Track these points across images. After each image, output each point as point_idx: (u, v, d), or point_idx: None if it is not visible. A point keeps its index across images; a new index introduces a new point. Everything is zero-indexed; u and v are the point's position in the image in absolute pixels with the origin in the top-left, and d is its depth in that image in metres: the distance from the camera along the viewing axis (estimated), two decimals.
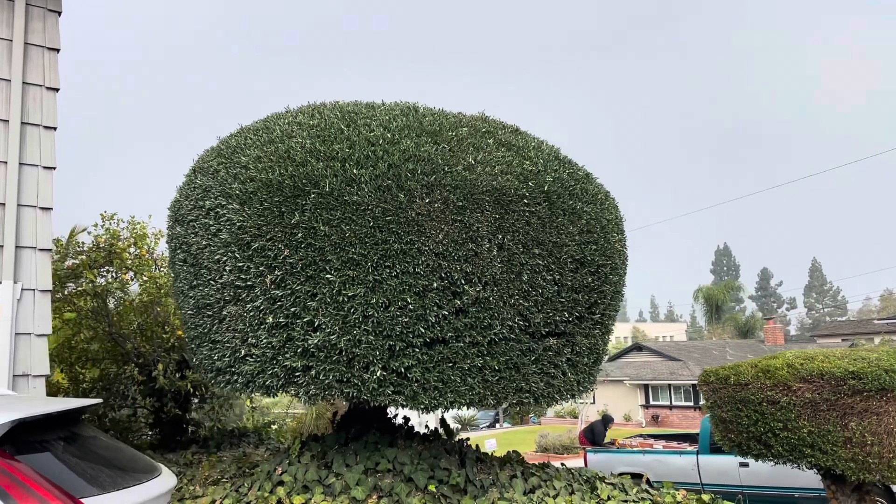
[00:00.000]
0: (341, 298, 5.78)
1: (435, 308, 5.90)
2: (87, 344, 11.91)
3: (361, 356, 5.87)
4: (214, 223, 6.20)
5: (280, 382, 6.09)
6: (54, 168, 6.58)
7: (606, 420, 17.72)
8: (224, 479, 7.69)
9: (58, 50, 6.83)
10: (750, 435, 8.26)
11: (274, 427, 17.61)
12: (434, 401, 6.06)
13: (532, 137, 7.22)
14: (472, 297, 5.99)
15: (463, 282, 5.97)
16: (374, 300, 5.77)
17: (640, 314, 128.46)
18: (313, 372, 5.94)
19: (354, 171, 5.82)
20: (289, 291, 5.87)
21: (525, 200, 6.21)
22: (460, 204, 5.93)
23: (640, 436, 15.93)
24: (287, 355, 5.97)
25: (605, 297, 6.88)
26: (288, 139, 6.19)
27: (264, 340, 6.02)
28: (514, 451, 9.06)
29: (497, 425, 48.24)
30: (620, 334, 71.10)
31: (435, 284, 5.87)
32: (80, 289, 11.58)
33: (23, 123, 6.44)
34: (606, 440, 16.11)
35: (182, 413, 12.40)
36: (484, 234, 6.03)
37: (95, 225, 12.46)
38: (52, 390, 12.64)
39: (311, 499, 6.56)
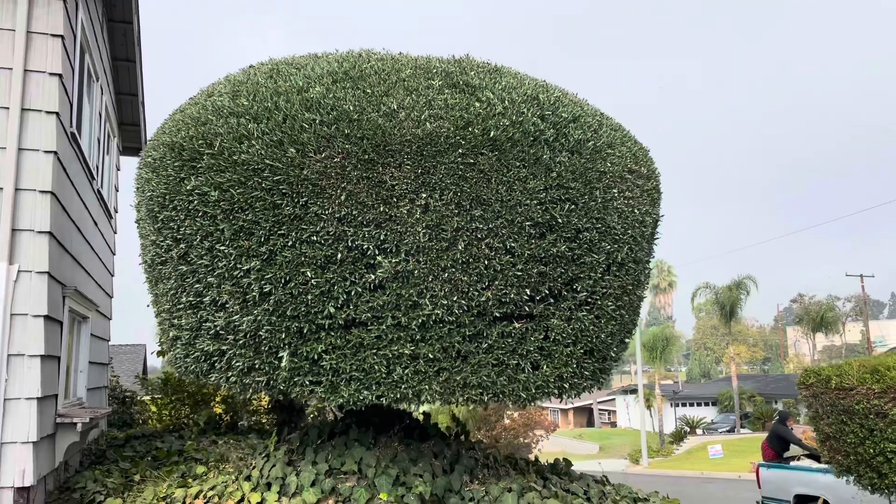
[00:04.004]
0: (237, 273, 5.05)
1: (344, 283, 4.93)
2: None
3: (266, 339, 5.09)
4: (139, 196, 5.80)
5: (204, 367, 5.52)
6: (55, 153, 6.64)
7: (783, 417, 14.29)
8: (231, 470, 7.36)
9: (61, 36, 6.90)
10: (859, 457, 6.10)
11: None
12: (357, 394, 5.10)
13: (514, 75, 5.84)
14: (390, 269, 4.92)
15: (376, 252, 4.93)
16: (270, 274, 4.96)
17: None
18: (227, 357, 5.30)
19: (249, 125, 5.05)
20: (193, 267, 5.27)
21: (460, 150, 4.98)
22: (367, 157, 4.88)
23: None
24: (203, 338, 5.39)
25: (593, 270, 5.35)
26: (208, 98, 5.58)
27: (184, 321, 5.49)
28: (563, 459, 7.66)
29: (735, 430, 43.64)
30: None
31: (339, 255, 4.91)
32: None
33: (23, 109, 6.57)
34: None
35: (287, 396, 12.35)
36: (402, 194, 4.92)
37: None
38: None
39: (266, 497, 5.94)
